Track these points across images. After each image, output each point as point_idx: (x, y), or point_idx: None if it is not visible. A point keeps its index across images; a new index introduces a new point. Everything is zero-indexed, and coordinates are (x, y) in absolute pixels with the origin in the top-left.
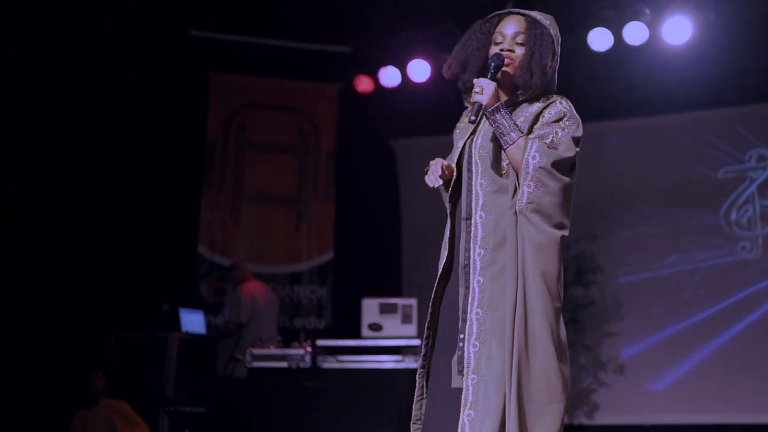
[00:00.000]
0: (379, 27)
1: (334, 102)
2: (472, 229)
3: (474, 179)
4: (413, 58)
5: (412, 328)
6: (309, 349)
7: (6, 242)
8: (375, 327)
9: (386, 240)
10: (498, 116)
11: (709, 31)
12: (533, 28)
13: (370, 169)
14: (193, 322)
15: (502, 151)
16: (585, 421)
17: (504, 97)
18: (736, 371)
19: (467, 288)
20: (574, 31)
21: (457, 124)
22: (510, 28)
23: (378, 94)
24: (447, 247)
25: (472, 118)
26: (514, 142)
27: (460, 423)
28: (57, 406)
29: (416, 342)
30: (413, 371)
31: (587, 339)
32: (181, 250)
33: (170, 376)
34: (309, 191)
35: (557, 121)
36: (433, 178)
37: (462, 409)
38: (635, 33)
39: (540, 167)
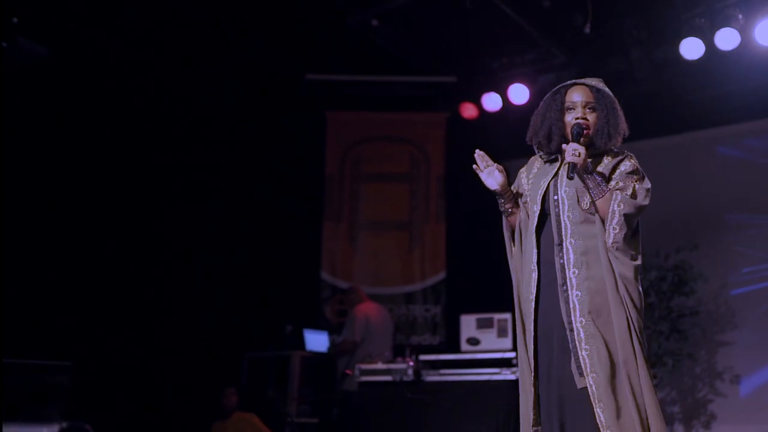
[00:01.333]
0: (481, 55)
1: (442, 130)
2: (564, 253)
3: (562, 213)
4: (512, 83)
5: (507, 342)
6: (412, 363)
7: (162, 284)
8: (473, 341)
9: (496, 257)
10: (588, 174)
11: None
12: (599, 96)
13: (478, 191)
14: (317, 341)
15: (582, 191)
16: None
17: None
18: None
19: (567, 302)
20: (668, 42)
21: (527, 169)
22: (578, 97)
23: (484, 119)
24: (536, 268)
25: (571, 175)
26: (603, 195)
27: (596, 415)
28: (200, 417)
29: (511, 354)
30: (509, 382)
31: (694, 348)
32: (306, 277)
33: (294, 390)
34: (421, 215)
35: (631, 173)
36: (481, 165)
37: (594, 403)
38: (727, 39)
39: (624, 214)
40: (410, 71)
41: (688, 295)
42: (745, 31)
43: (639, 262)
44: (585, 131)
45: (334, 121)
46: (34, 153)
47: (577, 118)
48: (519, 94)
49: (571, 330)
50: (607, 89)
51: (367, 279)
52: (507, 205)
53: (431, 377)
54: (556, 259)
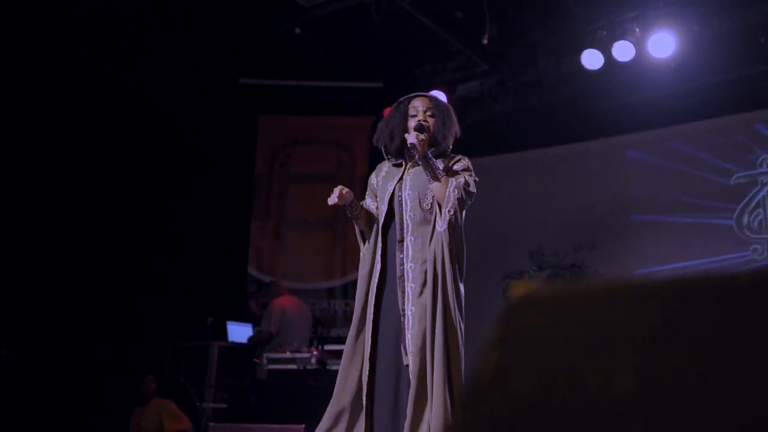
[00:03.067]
0: (406, 62)
1: (366, 133)
2: (405, 249)
3: (405, 213)
4: (432, 90)
5: None
6: (316, 353)
7: (93, 275)
8: None
9: None
10: (428, 158)
11: (698, 43)
12: (437, 104)
13: None
14: (240, 333)
15: (423, 194)
16: None
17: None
18: None
19: (403, 292)
20: (573, 53)
21: (376, 173)
22: (420, 105)
23: None
24: (380, 261)
25: (411, 152)
26: (441, 178)
27: (411, 389)
28: (123, 403)
29: None
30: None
31: None
32: (235, 272)
33: (212, 378)
34: (345, 215)
35: (464, 169)
36: (332, 196)
37: (412, 380)
38: (623, 50)
39: (457, 198)
40: (339, 77)
41: None
42: (640, 44)
43: (464, 257)
44: (425, 128)
45: (266, 124)
46: None
47: (419, 120)
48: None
49: (404, 316)
50: (443, 101)
51: (292, 275)
52: (356, 212)
53: (335, 366)
54: (397, 253)
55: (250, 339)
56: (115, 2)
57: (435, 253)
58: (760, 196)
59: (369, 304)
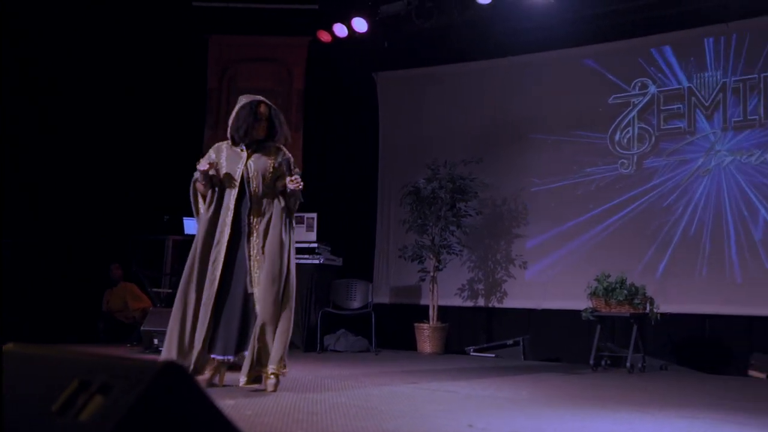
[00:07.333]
0: None
1: (304, 51)
2: (251, 215)
3: (251, 188)
4: (355, 16)
5: (313, 235)
6: None
7: (72, 180)
8: None
9: (340, 162)
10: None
11: None
12: (274, 111)
13: (334, 106)
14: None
15: (264, 174)
16: (497, 305)
17: None
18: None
19: (249, 243)
20: None
21: (216, 152)
22: (264, 111)
23: (336, 44)
24: (230, 224)
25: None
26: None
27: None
28: (97, 285)
29: (315, 245)
30: (313, 265)
31: (493, 239)
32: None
33: (167, 266)
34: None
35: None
36: (204, 164)
37: (258, 304)
38: None
39: (299, 202)
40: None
41: (468, 200)
42: None
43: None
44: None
45: (216, 44)
46: None
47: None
48: (360, 24)
49: (250, 260)
50: (275, 107)
51: None
52: (203, 182)
53: None
54: (244, 217)
55: None
56: None
57: (271, 218)
58: (630, 115)
59: (218, 251)
